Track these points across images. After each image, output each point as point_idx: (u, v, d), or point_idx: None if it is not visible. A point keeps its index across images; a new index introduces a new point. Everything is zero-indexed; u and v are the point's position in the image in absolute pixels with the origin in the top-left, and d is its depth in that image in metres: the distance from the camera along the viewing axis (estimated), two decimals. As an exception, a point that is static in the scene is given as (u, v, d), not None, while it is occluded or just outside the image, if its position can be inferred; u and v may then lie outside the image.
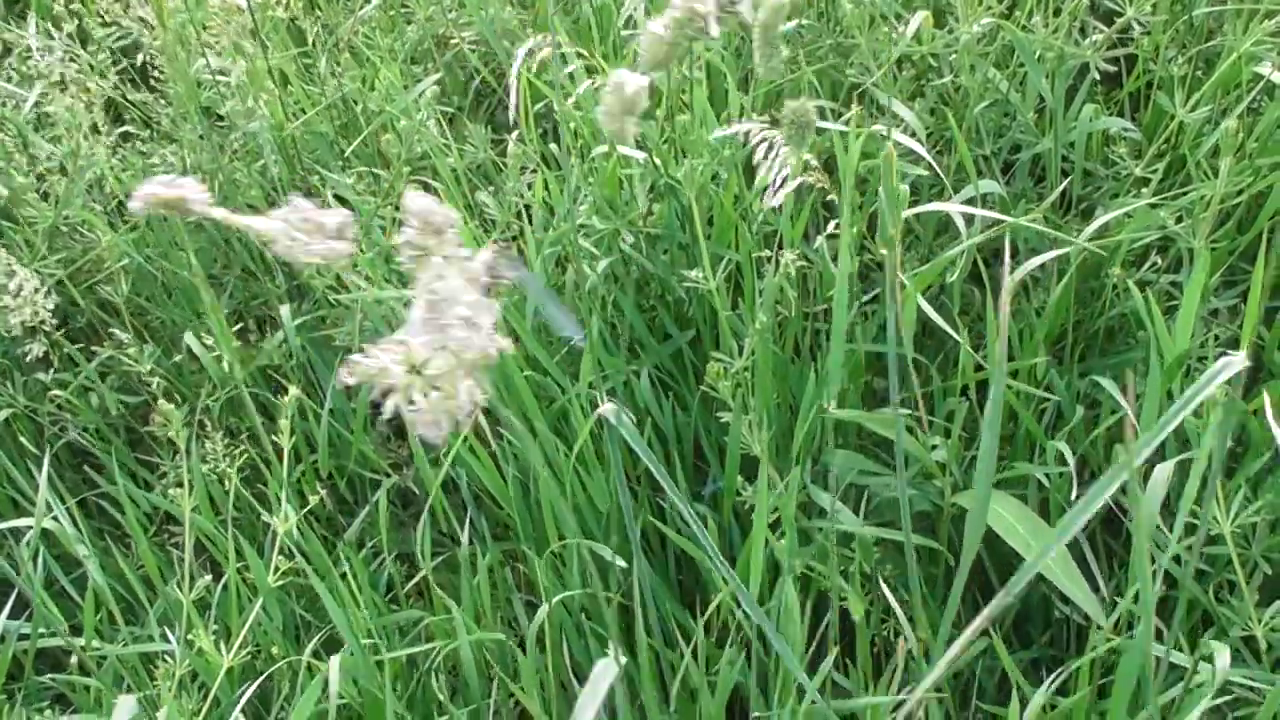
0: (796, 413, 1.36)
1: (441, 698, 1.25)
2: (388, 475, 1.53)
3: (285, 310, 1.51)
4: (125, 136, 1.70)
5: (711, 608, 1.24)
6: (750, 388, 1.26)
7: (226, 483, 1.36)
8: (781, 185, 1.08)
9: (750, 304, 1.37)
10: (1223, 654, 1.00)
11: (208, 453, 1.39)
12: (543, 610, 1.20)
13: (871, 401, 1.46)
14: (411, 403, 0.57)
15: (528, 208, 1.49)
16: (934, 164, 1.34)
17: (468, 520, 1.36)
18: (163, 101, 1.68)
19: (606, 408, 0.88)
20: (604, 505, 1.35)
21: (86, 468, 1.57)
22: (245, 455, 1.43)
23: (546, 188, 1.48)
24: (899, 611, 1.12)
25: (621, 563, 1.22)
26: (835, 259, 1.33)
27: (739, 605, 1.20)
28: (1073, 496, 1.24)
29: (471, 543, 1.39)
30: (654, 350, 1.46)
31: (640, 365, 1.44)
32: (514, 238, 1.50)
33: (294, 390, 1.29)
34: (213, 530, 1.35)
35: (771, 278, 1.28)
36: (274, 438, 1.32)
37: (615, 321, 1.46)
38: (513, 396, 1.39)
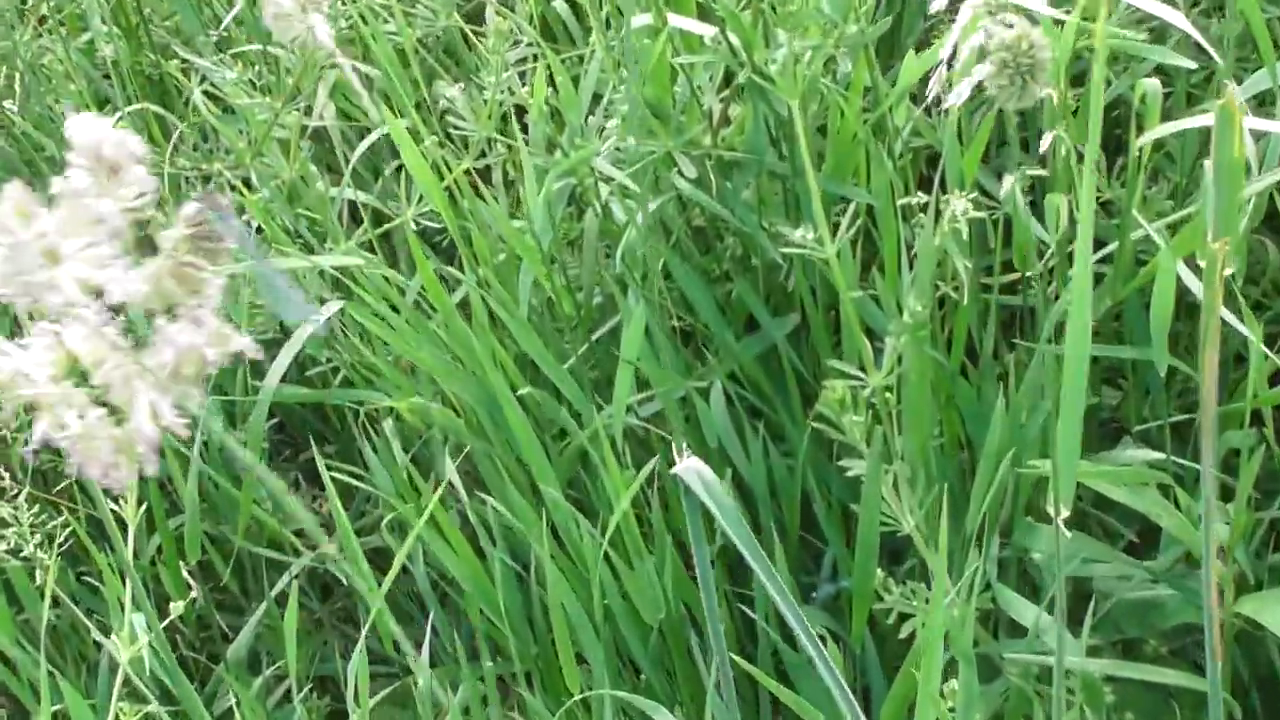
0: (970, 458, 1.36)
1: None
2: (297, 553, 1.56)
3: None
4: None
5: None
6: (895, 420, 1.26)
7: (39, 575, 1.37)
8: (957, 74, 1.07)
9: (893, 278, 1.37)
10: None
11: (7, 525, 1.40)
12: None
13: (1092, 433, 1.44)
14: (67, 429, 0.63)
15: (520, 113, 1.51)
16: (1199, 38, 1.31)
17: (428, 627, 1.37)
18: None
19: (684, 466, 0.93)
20: (653, 616, 1.36)
21: None
22: (69, 531, 1.42)
23: (551, 82, 1.49)
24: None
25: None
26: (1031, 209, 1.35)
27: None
28: None
29: (436, 663, 1.42)
30: (730, 351, 1.47)
31: (709, 375, 1.46)
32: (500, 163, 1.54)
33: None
34: (17, 652, 1.38)
35: (930, 235, 1.27)
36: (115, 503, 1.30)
37: (667, 302, 1.48)
38: (498, 430, 1.42)
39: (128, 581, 1.26)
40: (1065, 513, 1.00)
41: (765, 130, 1.44)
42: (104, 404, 0.64)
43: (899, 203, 1.38)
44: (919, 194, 1.37)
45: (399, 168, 1.66)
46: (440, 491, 1.36)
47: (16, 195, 0.62)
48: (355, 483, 1.45)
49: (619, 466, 1.35)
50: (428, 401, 1.43)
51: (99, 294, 0.63)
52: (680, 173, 1.45)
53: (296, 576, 1.54)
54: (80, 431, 0.64)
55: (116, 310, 0.64)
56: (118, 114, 1.63)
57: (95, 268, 0.63)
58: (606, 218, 1.49)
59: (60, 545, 1.41)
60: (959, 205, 1.27)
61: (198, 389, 0.66)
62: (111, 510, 1.30)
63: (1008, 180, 1.33)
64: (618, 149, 1.44)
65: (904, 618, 1.27)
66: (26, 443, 0.62)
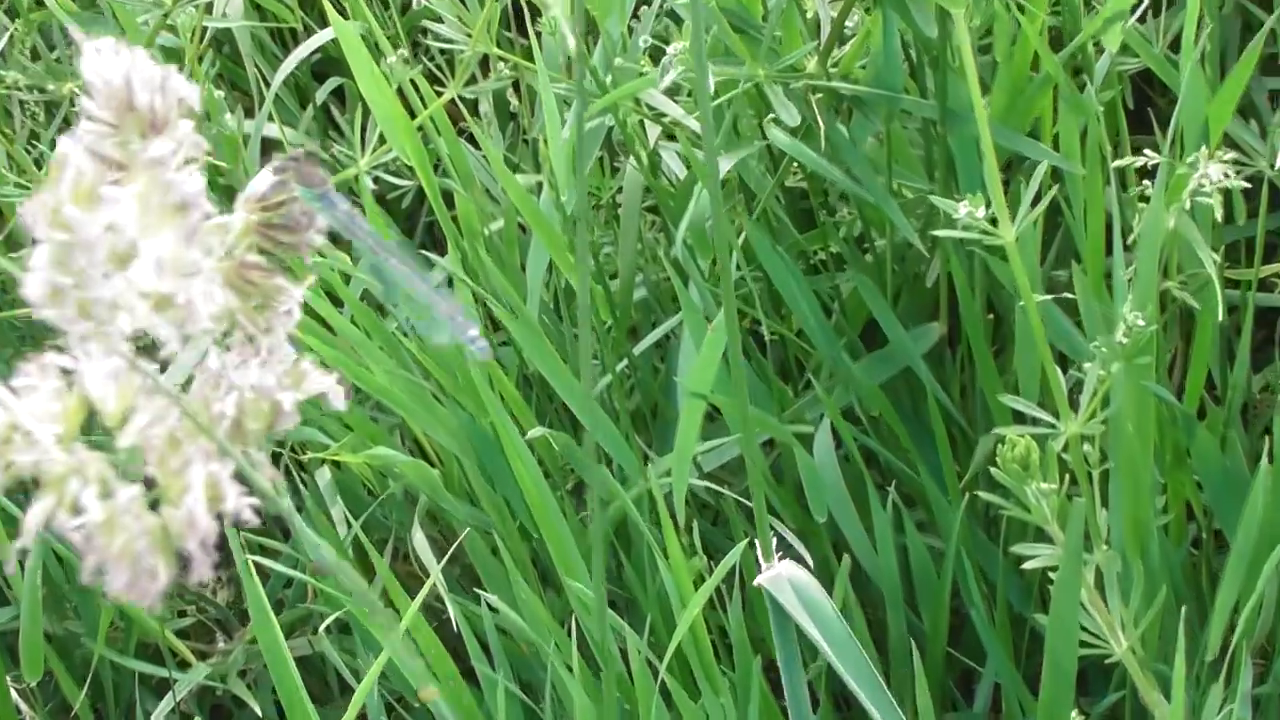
0: (1217, 551, 1.39)
1: None
2: (184, 667, 1.54)
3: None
4: None
5: None
6: (1095, 492, 1.24)
7: None
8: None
9: (1097, 277, 1.35)
10: None
11: None
12: None
13: None
14: (83, 514, 0.58)
15: (520, 19, 1.57)
16: None
17: None
18: None
19: (773, 575, 0.97)
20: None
21: None
22: None
23: None
24: None
25: None
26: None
27: None
28: None
29: None
30: (844, 375, 1.45)
31: (810, 411, 1.45)
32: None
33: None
34: None
35: (1160, 213, 1.25)
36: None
37: (754, 294, 1.45)
38: (495, 489, 1.39)
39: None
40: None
41: (901, 54, 1.40)
42: (137, 478, 0.59)
43: (1107, 160, 1.37)
44: (1144, 154, 1.34)
45: (336, 91, 1.72)
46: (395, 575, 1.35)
47: (83, 166, 0.57)
48: (270, 563, 1.39)
49: (681, 551, 1.30)
50: (387, 446, 1.40)
51: (174, 316, 0.58)
52: (772, 115, 1.39)
53: (181, 701, 1.52)
54: (102, 519, 0.57)
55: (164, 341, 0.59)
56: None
57: (180, 277, 0.58)
58: (654, 175, 1.46)
59: None
60: (1213, 170, 1.27)
61: (263, 453, 0.63)
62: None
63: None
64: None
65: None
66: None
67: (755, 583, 0.97)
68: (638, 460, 1.39)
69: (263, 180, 0.62)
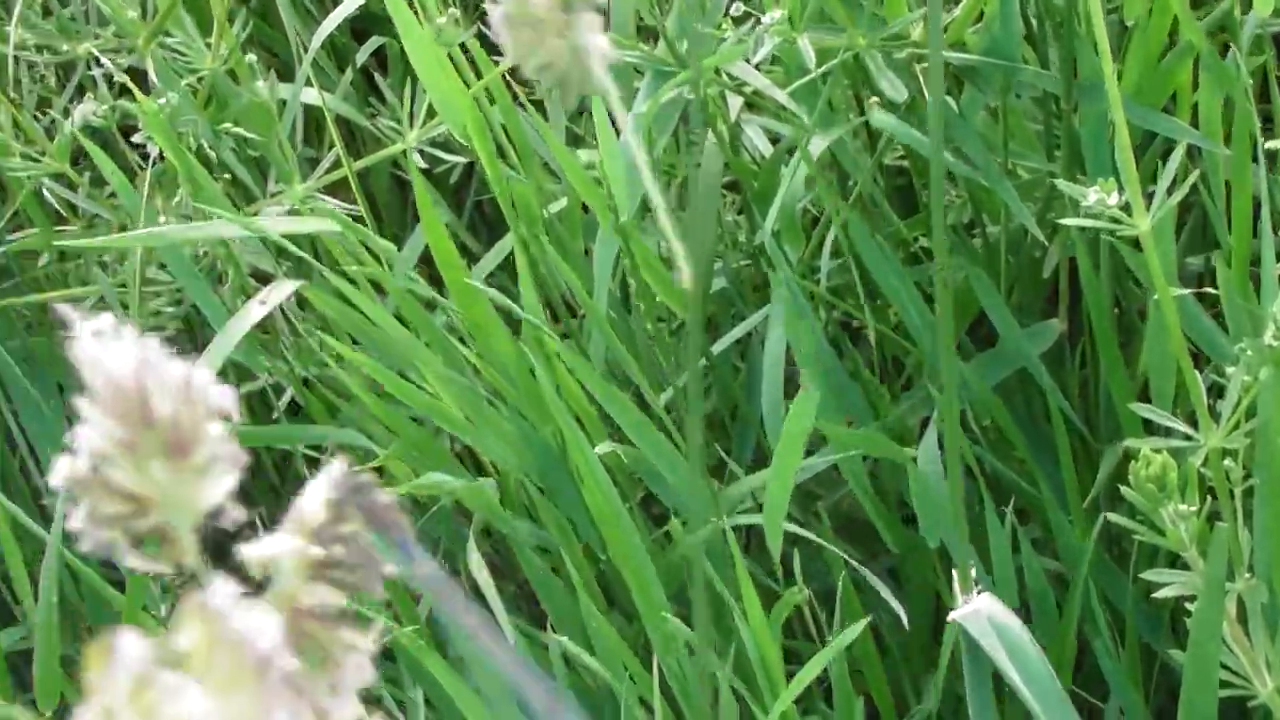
0: None
1: None
2: None
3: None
4: None
5: None
6: (1239, 513, 1.24)
7: None
8: None
9: (1243, 272, 1.34)
10: None
11: None
12: None
13: None
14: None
15: None
16: None
17: None
18: None
19: (970, 611, 1.00)
20: None
21: None
22: None
23: None
24: None
25: None
26: None
27: None
28: None
29: None
30: (953, 377, 1.33)
31: (913, 415, 1.44)
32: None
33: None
34: None
35: None
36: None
37: (846, 289, 1.44)
38: (562, 498, 1.35)
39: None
40: None
41: (1021, 19, 1.37)
42: None
43: (1259, 141, 1.34)
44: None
45: (377, 53, 1.66)
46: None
47: (132, 654, 0.45)
48: None
49: (779, 589, 1.30)
50: (436, 451, 1.36)
51: None
52: (875, 89, 1.36)
53: None
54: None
55: None
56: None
57: None
58: (735, 152, 1.41)
59: None
60: None
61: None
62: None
63: None
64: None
65: None
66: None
67: (951, 618, 0.96)
68: (708, 487, 1.36)
69: (314, 498, 0.50)
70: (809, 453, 1.38)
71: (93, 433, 0.48)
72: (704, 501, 1.36)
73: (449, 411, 1.32)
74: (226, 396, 0.48)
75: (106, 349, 0.48)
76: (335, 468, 0.49)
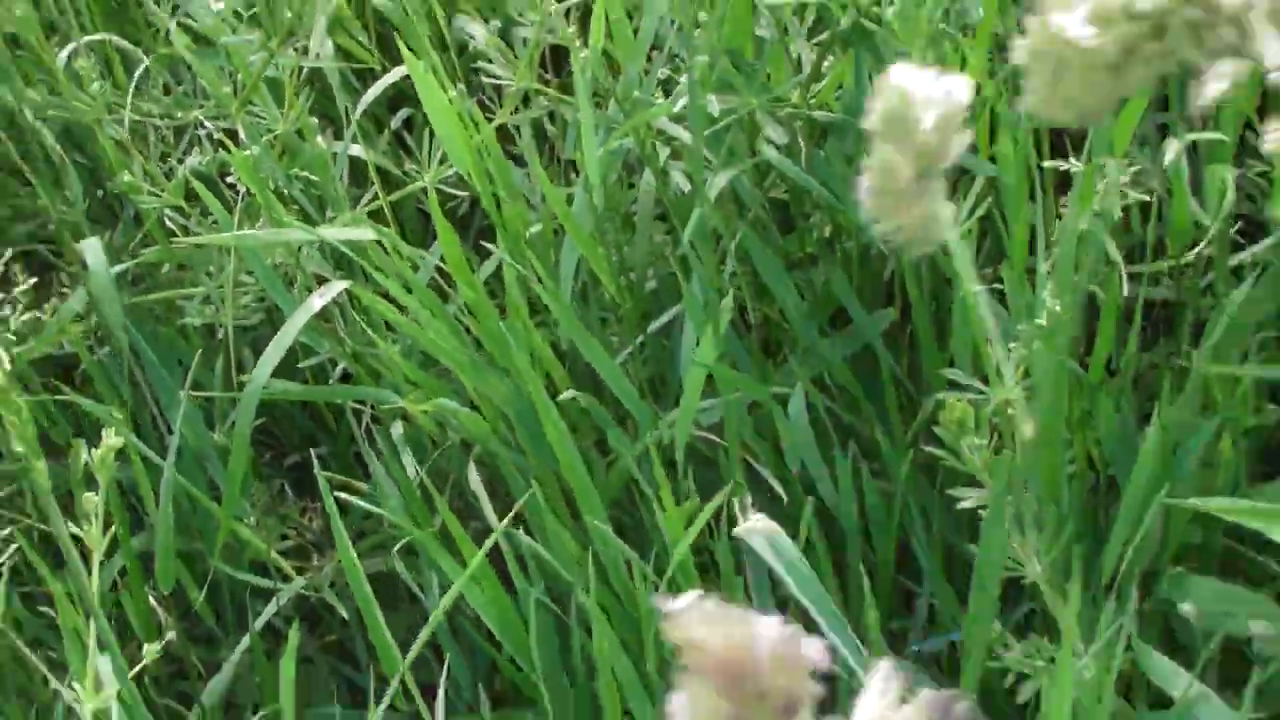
0: (1112, 494, 1.35)
1: None
2: (285, 580, 1.55)
3: (92, 247, 1.56)
4: None
5: None
6: (1017, 447, 1.23)
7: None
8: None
9: (1021, 269, 1.34)
10: None
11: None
12: None
13: (1252, 461, 1.43)
14: None
15: (556, 58, 1.51)
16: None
17: (444, 672, 1.35)
18: None
19: (748, 528, 0.98)
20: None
21: None
22: (15, 551, 1.43)
23: (607, 20, 1.46)
24: None
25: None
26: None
27: None
28: None
29: (453, 713, 1.44)
30: (815, 350, 1.46)
31: (788, 379, 1.45)
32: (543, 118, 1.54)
33: (111, 436, 1.23)
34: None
35: (1074, 215, 1.26)
36: (77, 527, 1.24)
37: (741, 286, 1.47)
38: (534, 441, 1.40)
39: (91, 623, 1.23)
40: None
41: (869, 87, 1.38)
42: None
43: (1035, 167, 1.35)
44: (1068, 162, 1.35)
45: (406, 120, 1.72)
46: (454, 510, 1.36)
47: None
48: (354, 499, 1.40)
49: (678, 494, 1.33)
50: (448, 401, 1.40)
51: None
52: (767, 139, 1.43)
53: (283, 607, 1.54)
54: None
55: None
56: (70, 45, 1.60)
57: None
58: (665, 187, 1.48)
59: (3, 563, 1.44)
60: (1114, 170, 1.27)
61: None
62: (70, 533, 1.27)
63: (1171, 146, 1.31)
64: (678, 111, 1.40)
65: (1022, 678, 1.26)
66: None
67: (734, 533, 0.98)
68: (651, 417, 1.40)
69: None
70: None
71: (697, 706, 0.44)
72: (644, 412, 1.41)
73: (456, 356, 1.37)
74: (816, 649, 0.44)
75: (707, 629, 0.44)
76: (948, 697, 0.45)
